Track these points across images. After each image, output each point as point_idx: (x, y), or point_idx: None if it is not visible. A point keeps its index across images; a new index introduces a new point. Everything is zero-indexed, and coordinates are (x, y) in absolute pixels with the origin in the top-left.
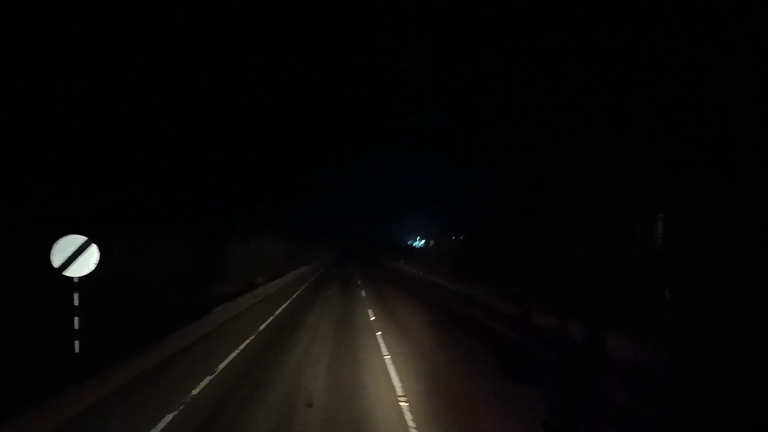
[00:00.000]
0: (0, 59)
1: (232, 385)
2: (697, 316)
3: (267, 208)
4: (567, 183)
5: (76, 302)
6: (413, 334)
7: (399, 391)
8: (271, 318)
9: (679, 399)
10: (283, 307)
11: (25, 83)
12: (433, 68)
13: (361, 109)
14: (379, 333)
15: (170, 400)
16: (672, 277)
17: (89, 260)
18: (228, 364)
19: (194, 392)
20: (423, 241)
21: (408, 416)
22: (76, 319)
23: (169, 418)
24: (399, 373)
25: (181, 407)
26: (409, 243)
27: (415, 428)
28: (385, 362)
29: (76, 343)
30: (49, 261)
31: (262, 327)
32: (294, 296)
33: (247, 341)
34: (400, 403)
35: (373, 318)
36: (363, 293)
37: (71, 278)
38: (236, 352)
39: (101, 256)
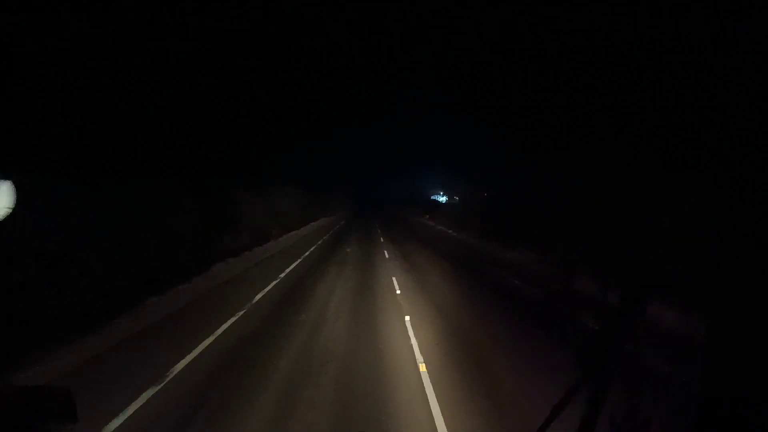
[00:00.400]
0: None
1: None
2: (741, 293)
3: (284, 158)
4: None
5: None
6: (454, 319)
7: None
8: (273, 283)
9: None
10: (289, 268)
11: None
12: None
13: (385, 62)
14: (408, 318)
15: None
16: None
17: None
18: (197, 357)
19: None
20: (446, 197)
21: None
22: None
23: None
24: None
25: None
26: (432, 197)
27: None
28: (420, 375)
29: None
30: None
31: (257, 297)
32: (306, 254)
33: (223, 327)
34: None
35: (399, 292)
36: (386, 254)
37: None
38: (209, 339)
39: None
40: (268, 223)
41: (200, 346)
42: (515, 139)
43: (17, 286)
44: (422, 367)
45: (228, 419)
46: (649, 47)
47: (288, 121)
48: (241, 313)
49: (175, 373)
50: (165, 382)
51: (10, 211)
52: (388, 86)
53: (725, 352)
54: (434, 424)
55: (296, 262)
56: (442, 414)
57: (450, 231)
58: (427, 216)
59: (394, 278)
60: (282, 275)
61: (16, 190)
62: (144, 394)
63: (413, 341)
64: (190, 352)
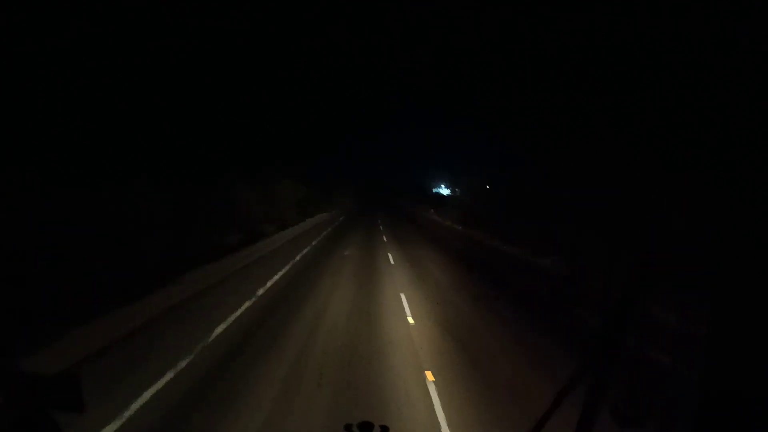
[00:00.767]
0: None
1: None
2: (741, 290)
3: (284, 150)
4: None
5: None
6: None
7: None
8: (246, 305)
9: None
10: (276, 277)
11: None
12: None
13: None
14: (430, 380)
15: None
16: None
17: None
18: None
19: None
20: (448, 190)
21: None
22: None
23: None
24: None
25: None
26: (435, 191)
27: None
28: None
29: None
30: None
31: (214, 334)
32: (297, 258)
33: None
34: None
35: (412, 321)
36: (391, 259)
37: None
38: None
39: None
40: (263, 219)
41: None
42: (521, 135)
43: None
44: None
45: None
46: (649, 47)
47: (292, 120)
48: (172, 374)
49: None
50: None
51: None
52: (393, 83)
53: (726, 349)
54: None
55: (284, 270)
56: None
57: (460, 228)
58: (433, 211)
59: (402, 296)
60: (261, 291)
61: None
62: None
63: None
64: None
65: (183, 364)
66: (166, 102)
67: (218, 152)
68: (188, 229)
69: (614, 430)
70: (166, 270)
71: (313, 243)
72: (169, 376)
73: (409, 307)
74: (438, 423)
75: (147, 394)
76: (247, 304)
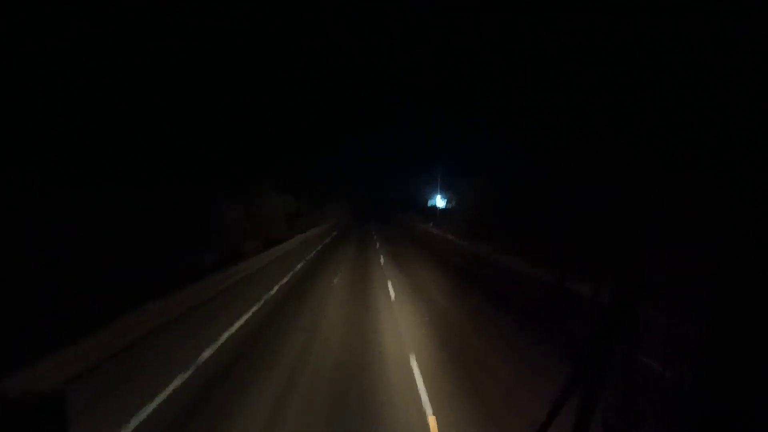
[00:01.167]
0: None
1: None
2: (735, 294)
3: (273, 162)
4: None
5: None
6: None
7: None
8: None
9: (702, 372)
10: (243, 319)
11: None
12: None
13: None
14: None
15: None
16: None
17: None
18: None
19: None
20: (444, 202)
21: None
22: None
23: None
24: None
25: None
26: (430, 204)
27: None
28: None
29: None
30: None
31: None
32: (278, 286)
33: None
34: None
35: (424, 386)
36: (390, 289)
37: None
38: None
39: None
40: (246, 237)
41: None
42: (520, 139)
43: None
44: None
45: None
46: (649, 47)
47: (280, 124)
48: None
49: None
50: None
51: None
52: (387, 87)
53: (717, 354)
54: None
55: (256, 306)
56: None
57: (464, 243)
58: (431, 224)
59: (411, 356)
60: (221, 339)
61: None
62: None
63: None
64: None
65: None
66: (146, 102)
67: (200, 159)
68: (158, 247)
69: None
70: (103, 308)
71: (300, 265)
72: None
73: (427, 393)
74: None
75: None
76: (174, 384)
